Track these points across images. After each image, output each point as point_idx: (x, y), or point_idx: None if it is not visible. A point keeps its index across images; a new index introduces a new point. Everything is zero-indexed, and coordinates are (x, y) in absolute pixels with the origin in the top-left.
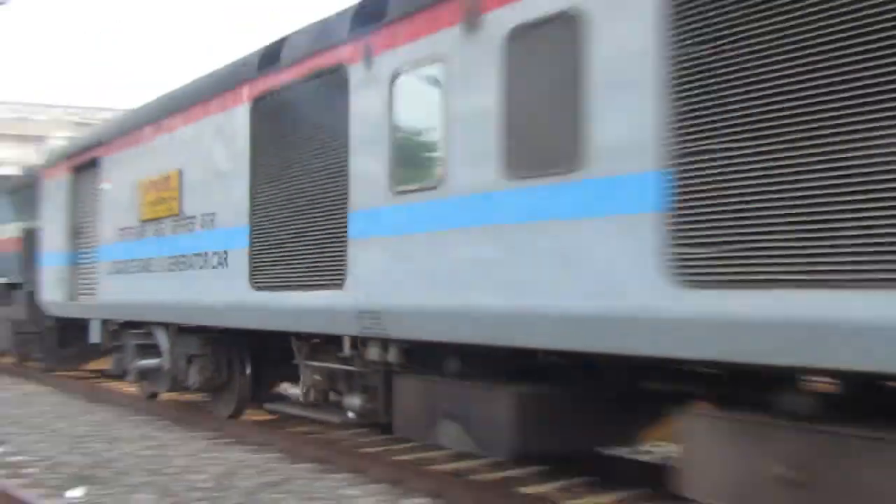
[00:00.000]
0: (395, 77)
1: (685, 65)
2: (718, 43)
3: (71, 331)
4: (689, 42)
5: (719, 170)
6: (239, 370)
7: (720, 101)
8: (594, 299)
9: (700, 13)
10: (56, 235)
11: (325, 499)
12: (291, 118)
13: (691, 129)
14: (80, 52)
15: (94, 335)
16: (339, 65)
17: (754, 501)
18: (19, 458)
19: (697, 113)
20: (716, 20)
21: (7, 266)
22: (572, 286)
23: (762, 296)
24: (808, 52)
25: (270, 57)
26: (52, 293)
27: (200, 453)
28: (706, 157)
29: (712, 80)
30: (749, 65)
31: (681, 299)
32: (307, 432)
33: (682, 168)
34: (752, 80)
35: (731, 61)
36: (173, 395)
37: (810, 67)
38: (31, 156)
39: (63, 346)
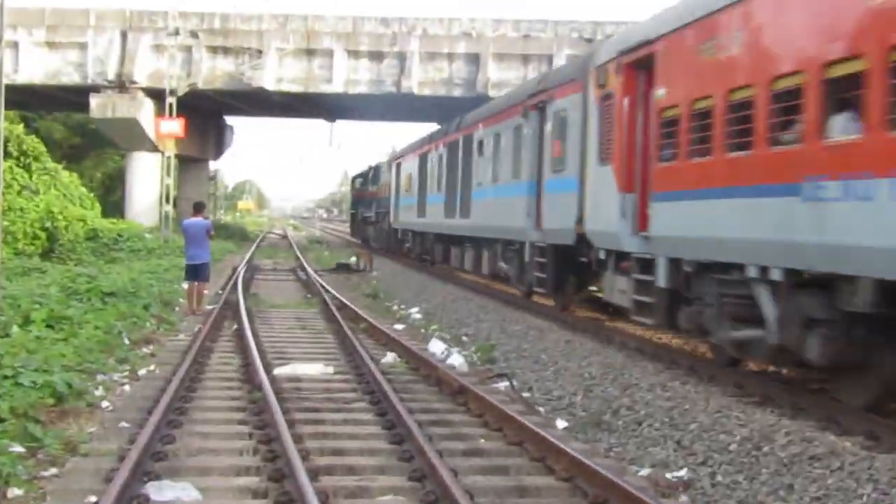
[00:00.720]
0: None
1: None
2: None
3: (410, 237)
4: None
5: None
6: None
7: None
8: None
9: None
10: (394, 191)
11: (878, 483)
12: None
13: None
14: None
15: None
16: None
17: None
18: (528, 394)
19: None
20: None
21: (385, 204)
22: None
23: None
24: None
25: None
26: (395, 217)
27: (724, 410)
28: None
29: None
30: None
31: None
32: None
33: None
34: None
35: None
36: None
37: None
38: (531, 76)
39: (392, 245)
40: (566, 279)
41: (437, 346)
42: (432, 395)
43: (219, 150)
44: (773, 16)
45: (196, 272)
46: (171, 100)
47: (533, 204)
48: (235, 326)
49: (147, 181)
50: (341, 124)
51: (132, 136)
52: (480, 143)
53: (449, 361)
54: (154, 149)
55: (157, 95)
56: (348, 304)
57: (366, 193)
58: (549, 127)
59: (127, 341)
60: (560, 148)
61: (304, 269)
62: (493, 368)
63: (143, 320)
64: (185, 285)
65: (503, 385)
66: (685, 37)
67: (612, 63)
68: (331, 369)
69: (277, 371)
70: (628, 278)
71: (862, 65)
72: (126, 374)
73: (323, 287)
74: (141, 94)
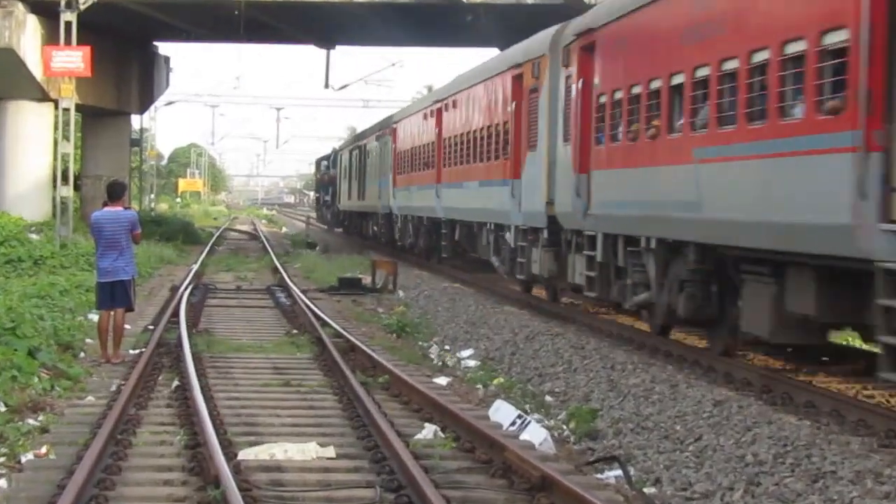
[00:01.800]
0: None
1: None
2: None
3: (346, 215)
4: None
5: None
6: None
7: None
8: None
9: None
10: (339, 177)
11: None
12: None
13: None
14: None
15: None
16: None
17: None
18: (654, 489)
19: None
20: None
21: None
22: None
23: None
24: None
25: None
26: (339, 199)
27: None
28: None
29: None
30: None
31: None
32: None
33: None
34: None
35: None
36: None
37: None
38: None
39: (339, 223)
40: (392, 231)
41: (504, 413)
42: (498, 491)
43: (147, 98)
44: None
45: (113, 295)
46: (68, 17)
47: (381, 191)
48: (177, 383)
49: (31, 149)
50: (343, 52)
51: (7, 77)
52: (368, 151)
53: (524, 437)
54: (43, 96)
55: (46, 11)
56: (358, 344)
57: (326, 178)
58: (385, 148)
59: (3, 408)
60: (385, 161)
61: (285, 289)
62: (597, 448)
63: (27, 374)
64: (97, 316)
65: (613, 475)
66: (410, 119)
67: (394, 124)
68: (331, 451)
69: (245, 455)
70: (396, 225)
71: None
72: (2, 460)
73: (317, 317)
74: (21, 9)
